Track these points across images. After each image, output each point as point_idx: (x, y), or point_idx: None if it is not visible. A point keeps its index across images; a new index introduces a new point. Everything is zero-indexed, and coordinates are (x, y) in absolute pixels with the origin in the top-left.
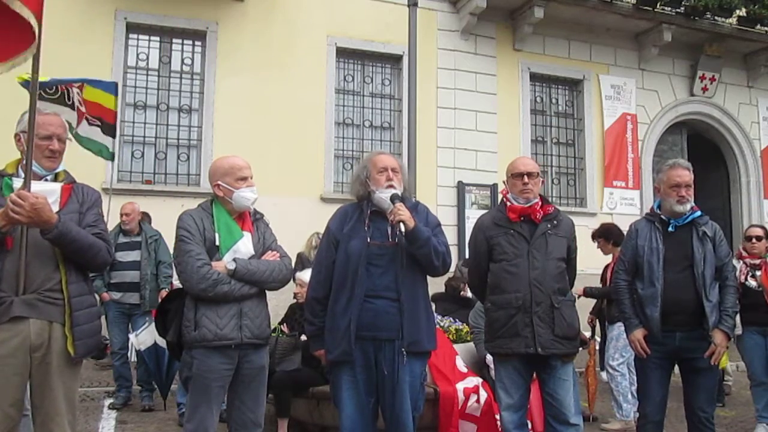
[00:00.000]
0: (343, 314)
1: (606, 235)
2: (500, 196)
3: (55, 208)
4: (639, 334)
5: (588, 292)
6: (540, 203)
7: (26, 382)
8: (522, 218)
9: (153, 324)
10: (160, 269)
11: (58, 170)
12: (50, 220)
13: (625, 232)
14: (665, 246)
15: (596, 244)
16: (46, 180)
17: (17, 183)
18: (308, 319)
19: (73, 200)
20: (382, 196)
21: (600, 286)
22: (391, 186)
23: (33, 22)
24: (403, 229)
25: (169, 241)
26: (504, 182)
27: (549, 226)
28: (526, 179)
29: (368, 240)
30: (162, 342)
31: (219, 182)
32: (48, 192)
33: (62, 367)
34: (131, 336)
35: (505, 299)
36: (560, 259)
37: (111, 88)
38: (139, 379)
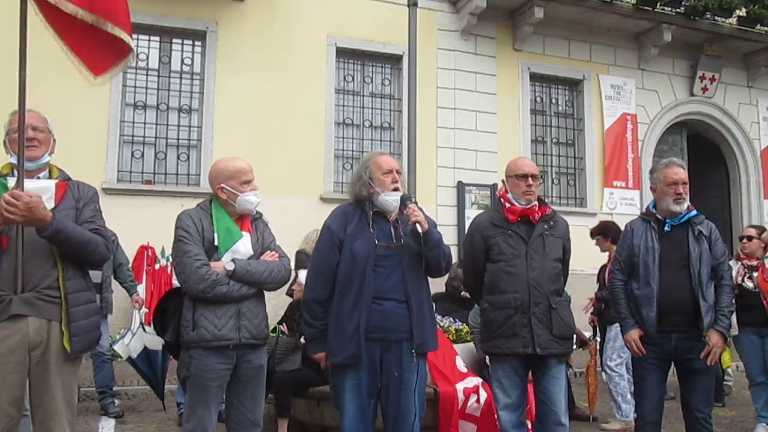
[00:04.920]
0: (350, 316)
1: (604, 232)
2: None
3: (50, 205)
4: (635, 334)
5: (600, 298)
6: (537, 204)
7: (25, 380)
8: (519, 219)
9: (140, 330)
10: (123, 272)
11: (42, 160)
12: (45, 219)
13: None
14: (661, 245)
15: (594, 241)
16: (39, 178)
17: (12, 182)
18: (308, 321)
19: (68, 197)
20: (389, 198)
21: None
22: (397, 189)
23: (125, 37)
24: (420, 230)
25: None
26: (503, 182)
27: (546, 227)
28: (530, 180)
29: (375, 241)
30: (152, 345)
31: (223, 185)
32: (42, 189)
33: (61, 365)
34: (116, 346)
35: (503, 299)
36: (557, 259)
37: None
38: (100, 385)
